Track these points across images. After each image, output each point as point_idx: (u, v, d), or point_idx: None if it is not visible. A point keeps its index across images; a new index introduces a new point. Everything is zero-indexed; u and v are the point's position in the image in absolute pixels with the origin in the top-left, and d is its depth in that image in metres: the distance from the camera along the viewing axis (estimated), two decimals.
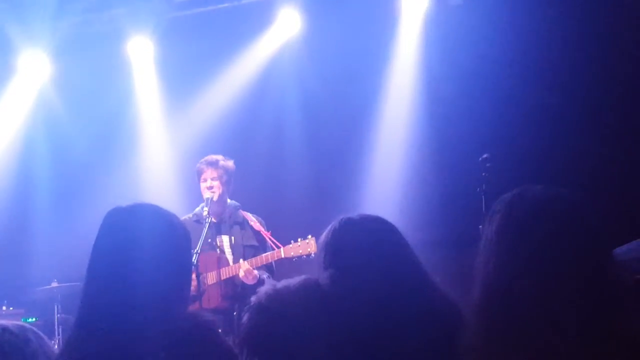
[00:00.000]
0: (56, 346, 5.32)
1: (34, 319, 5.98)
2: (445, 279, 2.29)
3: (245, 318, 2.04)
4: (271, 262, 4.84)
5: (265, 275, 4.79)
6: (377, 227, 2.25)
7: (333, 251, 2.20)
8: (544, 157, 5.27)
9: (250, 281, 4.69)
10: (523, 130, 5.48)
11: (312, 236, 4.63)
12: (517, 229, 1.82)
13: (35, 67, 6.78)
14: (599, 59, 5.30)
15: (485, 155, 4.55)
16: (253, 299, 2.05)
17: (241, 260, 4.71)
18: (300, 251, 4.63)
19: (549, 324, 1.74)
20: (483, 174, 4.46)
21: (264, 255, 4.77)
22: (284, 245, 4.73)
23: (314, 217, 4.79)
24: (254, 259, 4.72)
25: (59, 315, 5.85)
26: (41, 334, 2.16)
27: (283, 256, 4.69)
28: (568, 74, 5.41)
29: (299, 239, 4.66)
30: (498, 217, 1.87)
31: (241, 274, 4.66)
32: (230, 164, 4.95)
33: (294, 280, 2.05)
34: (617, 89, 5.28)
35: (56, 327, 5.78)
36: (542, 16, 5.56)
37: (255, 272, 4.69)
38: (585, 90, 5.35)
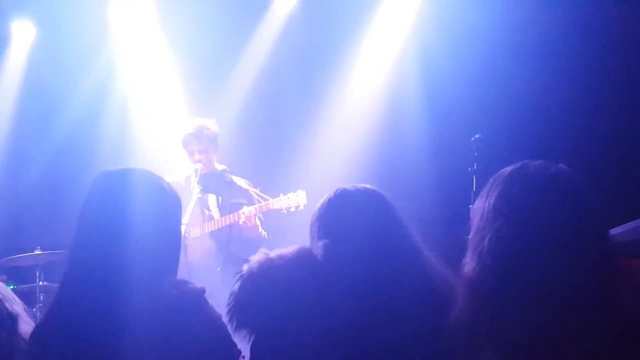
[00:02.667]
0: (38, 313, 5.29)
1: (12, 287, 5.90)
2: (436, 255, 2.27)
3: (235, 287, 2.00)
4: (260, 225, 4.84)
5: (264, 232, 4.78)
6: (372, 198, 2.23)
7: (327, 221, 2.18)
8: (536, 138, 5.25)
9: (250, 231, 4.66)
10: (516, 111, 5.45)
11: (302, 190, 4.62)
12: (516, 204, 1.80)
13: (24, 34, 6.67)
14: (599, 41, 5.26)
15: (477, 136, 4.54)
16: (244, 267, 2.01)
17: (244, 207, 4.67)
18: (290, 203, 4.60)
19: (544, 300, 1.73)
20: (475, 153, 4.45)
21: (257, 205, 4.73)
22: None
23: (304, 185, 4.74)
24: (251, 207, 4.68)
25: (41, 282, 5.79)
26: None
27: (272, 207, 4.65)
28: (564, 56, 5.38)
29: (289, 193, 4.64)
30: (496, 191, 1.85)
31: (242, 219, 4.62)
32: (213, 128, 4.89)
33: (287, 250, 2.02)
34: (613, 72, 5.25)
35: (37, 294, 5.72)
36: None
37: (257, 220, 4.66)
38: (580, 71, 5.32)
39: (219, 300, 2.10)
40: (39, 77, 6.78)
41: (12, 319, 2.08)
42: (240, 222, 4.62)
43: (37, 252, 5.83)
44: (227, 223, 4.69)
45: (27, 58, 6.79)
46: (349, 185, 2.25)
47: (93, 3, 6.37)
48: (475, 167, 4.41)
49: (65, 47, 6.56)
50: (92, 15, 6.41)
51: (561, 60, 5.38)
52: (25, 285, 5.88)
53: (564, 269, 1.73)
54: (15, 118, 6.85)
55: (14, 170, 6.82)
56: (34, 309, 5.57)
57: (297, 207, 4.59)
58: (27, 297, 5.77)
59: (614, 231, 2.62)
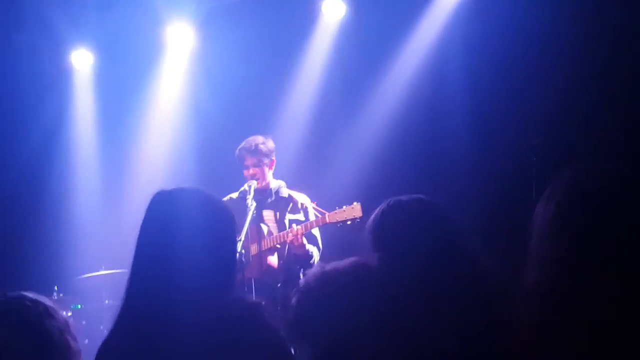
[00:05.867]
0: (105, 332, 5.40)
1: (79, 306, 6.07)
2: (497, 265, 2.23)
3: (293, 301, 2.01)
4: (317, 239, 4.84)
5: (313, 248, 4.79)
6: (426, 208, 2.20)
7: (382, 233, 2.17)
8: (595, 143, 5.10)
9: (297, 249, 4.68)
10: (573, 114, 5.31)
11: (357, 202, 4.59)
12: (577, 210, 1.74)
13: (84, 61, 6.89)
14: None
15: (535, 139, 4.45)
16: (301, 281, 2.02)
17: (294, 225, 4.71)
18: (345, 216, 4.59)
19: (609, 309, 1.67)
20: (533, 158, 4.36)
21: (308, 222, 4.76)
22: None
23: (360, 196, 4.73)
24: (299, 226, 4.71)
25: (107, 301, 5.93)
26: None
27: (328, 221, 4.66)
28: (620, 55, 5.23)
29: (344, 206, 4.63)
30: (556, 197, 1.79)
31: (289, 237, 4.66)
32: (269, 144, 4.94)
33: (343, 263, 2.01)
34: None
35: (104, 312, 5.85)
36: None
37: (303, 239, 4.67)
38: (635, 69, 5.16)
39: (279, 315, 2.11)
40: (104, 101, 7.00)
41: (67, 321, 2.16)
42: (288, 241, 4.66)
43: (103, 271, 5.99)
44: (279, 241, 4.73)
45: (92, 83, 7.02)
46: (402, 195, 2.23)
47: (144, 27, 6.54)
48: (534, 173, 4.31)
49: (121, 69, 6.77)
50: (145, 37, 6.59)
51: (625, 59, 5.23)
52: (92, 305, 6.03)
53: (631, 277, 1.67)
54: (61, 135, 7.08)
55: (79, 190, 7.03)
56: (101, 327, 5.71)
57: (353, 219, 4.58)
58: (94, 316, 5.93)
59: None
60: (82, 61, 6.89)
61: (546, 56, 5.43)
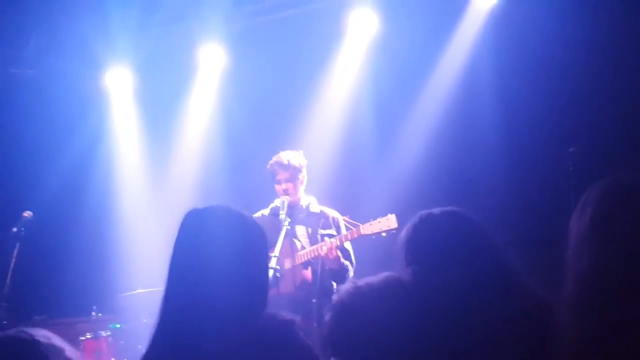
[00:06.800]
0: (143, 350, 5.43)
1: (118, 326, 6.12)
2: (533, 278, 2.18)
3: (327, 317, 2.00)
4: (350, 254, 4.80)
5: (347, 262, 4.74)
6: (459, 221, 2.18)
7: (414, 247, 2.15)
8: (632, 151, 5.00)
9: (332, 262, 4.63)
10: (611, 122, 5.22)
11: (392, 214, 4.55)
12: (613, 220, 1.70)
13: (124, 81, 7.02)
14: None
15: (572, 149, 4.38)
16: (334, 297, 2.00)
17: (326, 239, 4.67)
18: (380, 227, 4.53)
19: None
20: (570, 167, 4.29)
21: (343, 235, 4.72)
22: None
23: (393, 210, 4.68)
24: (333, 238, 4.67)
25: (144, 320, 5.96)
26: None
27: (363, 233, 4.60)
28: None
29: (378, 218, 4.58)
30: (591, 208, 1.75)
31: (323, 251, 4.60)
32: (301, 159, 4.93)
33: (375, 278, 1.99)
34: None
35: (142, 331, 5.88)
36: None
37: (338, 252, 4.62)
38: None
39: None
40: (139, 121, 7.11)
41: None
42: (323, 254, 4.61)
43: (140, 290, 6.03)
44: (313, 255, 4.69)
45: (128, 103, 7.16)
46: (434, 209, 2.21)
47: (178, 48, 6.64)
48: (572, 182, 4.24)
49: (155, 90, 6.87)
50: (178, 58, 6.70)
51: None
52: (131, 324, 6.08)
53: None
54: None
55: (116, 212, 7.13)
56: (139, 347, 5.74)
57: (388, 231, 4.52)
58: (133, 336, 5.97)
59: None
60: (118, 82, 7.02)
61: (581, 64, 5.36)
